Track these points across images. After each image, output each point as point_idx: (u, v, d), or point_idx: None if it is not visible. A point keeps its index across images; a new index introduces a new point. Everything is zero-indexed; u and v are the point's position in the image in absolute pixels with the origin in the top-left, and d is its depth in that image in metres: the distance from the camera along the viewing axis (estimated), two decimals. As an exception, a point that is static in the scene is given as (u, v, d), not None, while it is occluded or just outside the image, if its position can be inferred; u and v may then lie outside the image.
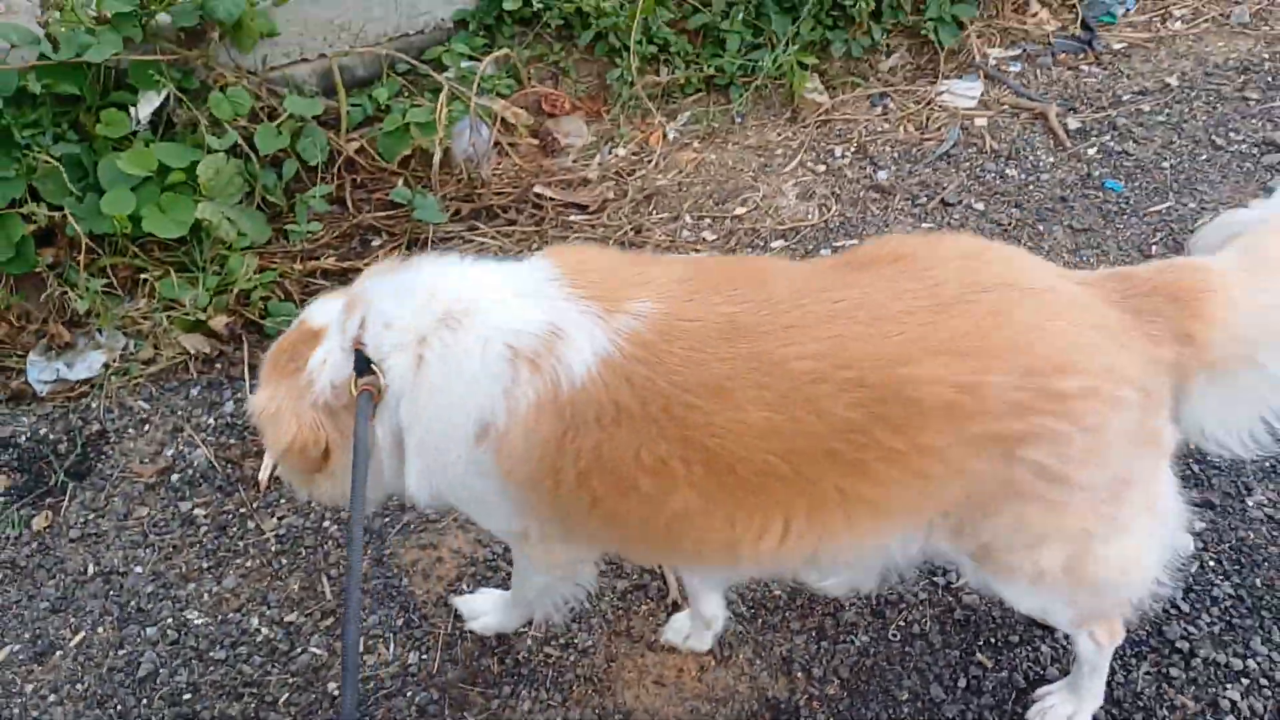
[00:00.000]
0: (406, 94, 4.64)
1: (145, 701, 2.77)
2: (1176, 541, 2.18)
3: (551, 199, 4.44)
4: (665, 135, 4.74)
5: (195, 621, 2.94)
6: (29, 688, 2.83)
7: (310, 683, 2.75)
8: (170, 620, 2.96)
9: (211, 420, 3.54)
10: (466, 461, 2.05)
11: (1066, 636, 2.57)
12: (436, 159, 4.39)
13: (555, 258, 2.11)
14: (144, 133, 3.96)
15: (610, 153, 4.71)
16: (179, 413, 3.58)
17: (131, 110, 3.96)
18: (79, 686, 2.82)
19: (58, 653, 2.90)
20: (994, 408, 1.82)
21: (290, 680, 2.77)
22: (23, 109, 3.81)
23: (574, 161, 4.66)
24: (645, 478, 1.91)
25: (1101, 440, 1.88)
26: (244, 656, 2.84)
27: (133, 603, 3.02)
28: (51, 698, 2.79)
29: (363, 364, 2.07)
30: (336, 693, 2.67)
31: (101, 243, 3.89)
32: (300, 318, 2.27)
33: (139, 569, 3.11)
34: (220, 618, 2.95)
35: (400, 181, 4.45)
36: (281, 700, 2.72)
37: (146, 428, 3.54)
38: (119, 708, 2.76)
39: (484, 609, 2.81)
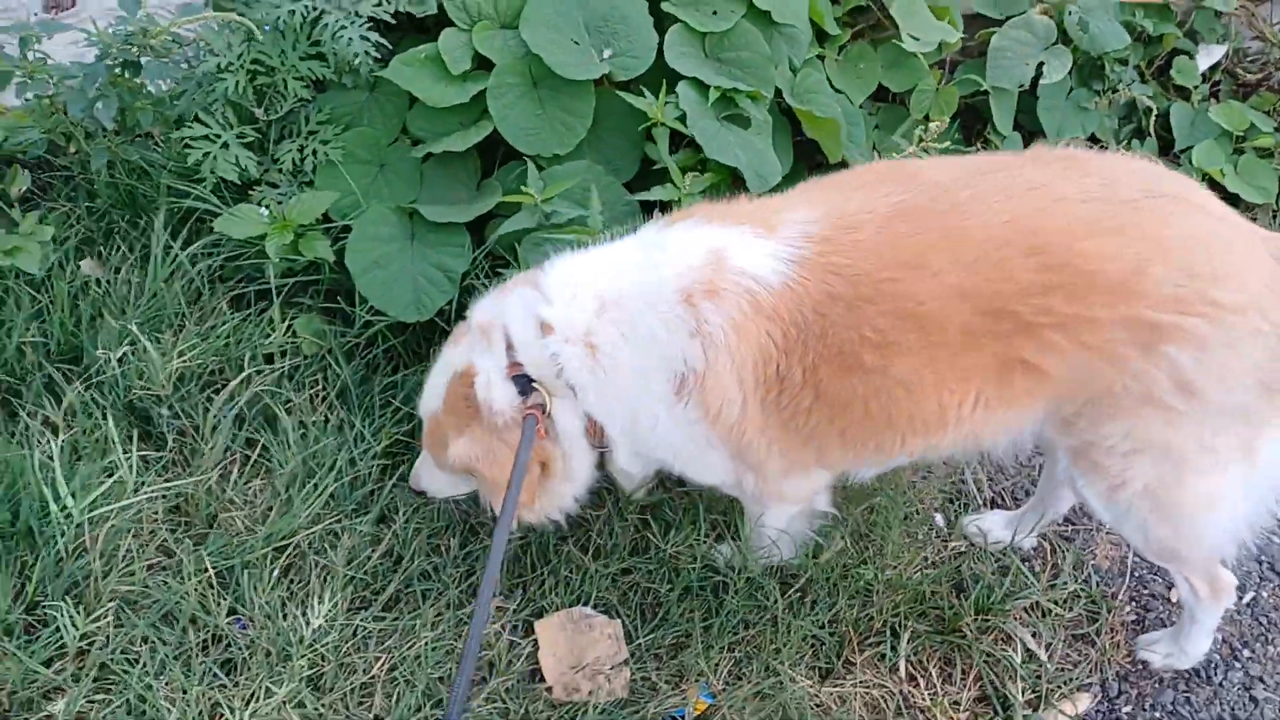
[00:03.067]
0: None
1: None
2: (1271, 504, 2.26)
3: None
4: None
5: None
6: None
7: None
8: None
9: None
10: (670, 424, 2.16)
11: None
12: None
13: (682, 214, 2.24)
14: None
15: None
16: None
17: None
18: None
19: None
20: (1155, 295, 1.96)
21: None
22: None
23: None
24: (869, 353, 2.02)
25: (1236, 361, 2.00)
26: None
27: None
28: None
29: (524, 385, 2.18)
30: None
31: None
32: (443, 365, 2.34)
33: None
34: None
35: None
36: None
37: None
38: None
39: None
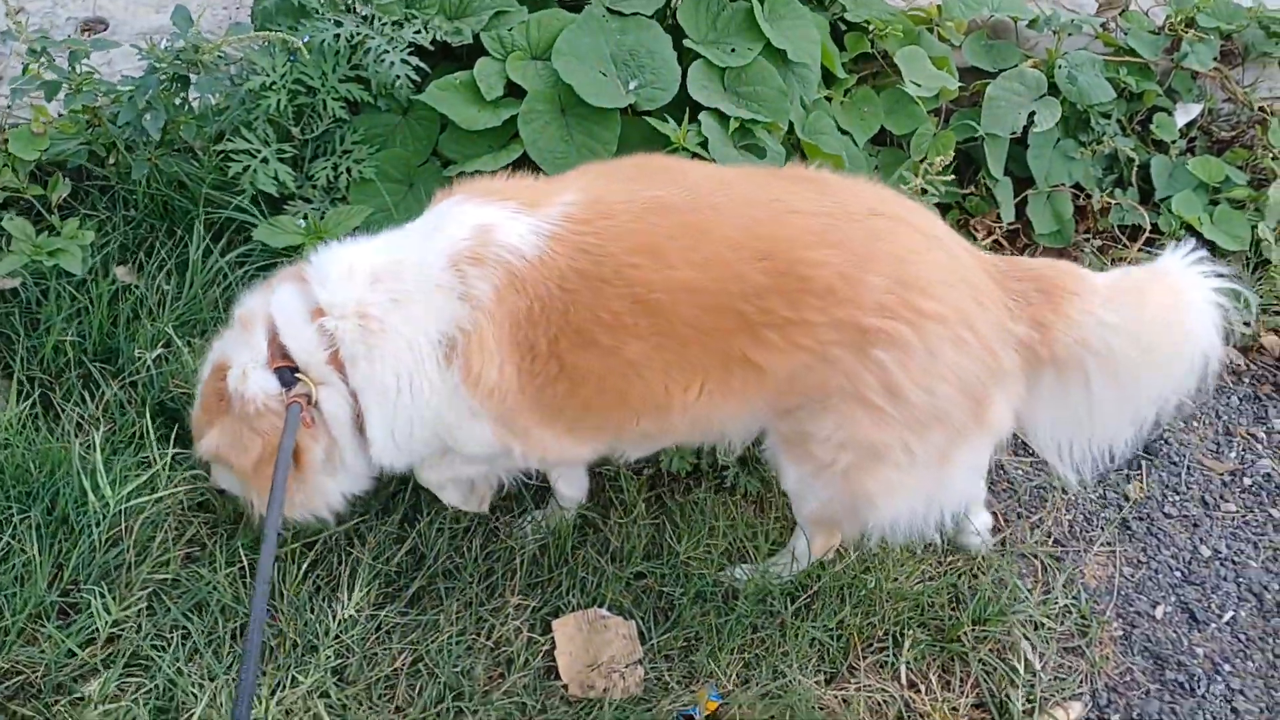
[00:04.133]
0: None
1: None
2: (949, 509, 2.51)
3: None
4: None
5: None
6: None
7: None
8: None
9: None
10: (440, 391, 2.21)
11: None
12: None
13: (445, 194, 2.34)
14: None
15: None
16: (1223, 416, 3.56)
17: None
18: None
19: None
20: (864, 301, 2.14)
21: None
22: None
23: None
24: (603, 333, 2.15)
25: (937, 366, 2.18)
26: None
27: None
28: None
29: (288, 376, 2.22)
30: None
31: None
32: (204, 362, 2.39)
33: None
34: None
35: None
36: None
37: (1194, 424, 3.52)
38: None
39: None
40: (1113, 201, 3.90)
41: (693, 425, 2.38)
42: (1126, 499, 3.27)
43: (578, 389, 2.24)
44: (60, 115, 3.02)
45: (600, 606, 2.72)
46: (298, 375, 2.22)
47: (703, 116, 2.96)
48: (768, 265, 2.13)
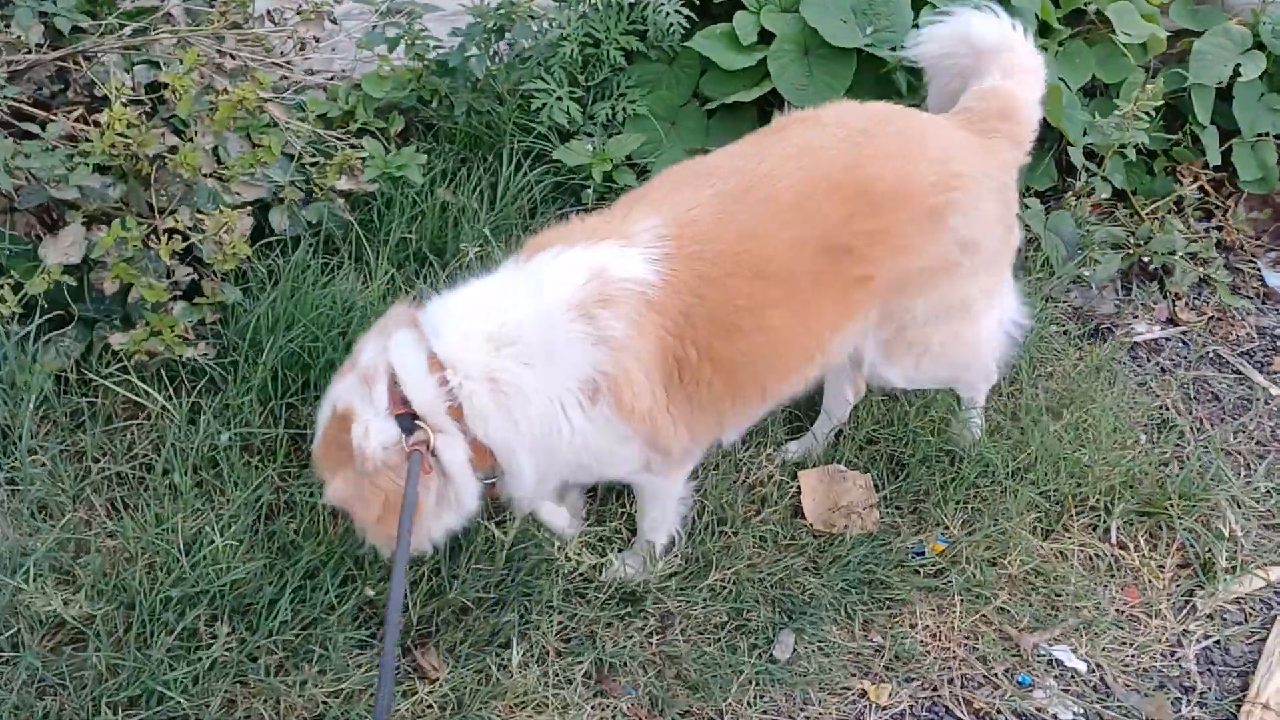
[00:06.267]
0: None
1: None
2: (1012, 321, 2.92)
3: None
4: None
5: None
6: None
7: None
8: None
9: None
10: (589, 428, 2.33)
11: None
12: None
13: (534, 246, 2.42)
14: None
15: None
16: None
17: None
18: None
19: None
20: (921, 188, 2.51)
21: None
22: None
23: None
24: (744, 316, 2.39)
25: (988, 212, 2.62)
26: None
27: None
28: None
29: (408, 424, 2.26)
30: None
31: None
32: (327, 399, 2.41)
33: None
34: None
35: None
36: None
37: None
38: None
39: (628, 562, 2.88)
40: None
41: (827, 362, 2.66)
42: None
43: (733, 377, 2.44)
44: (396, 66, 3.73)
45: (838, 464, 3.17)
46: (417, 423, 2.26)
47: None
48: (840, 195, 2.42)
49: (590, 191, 3.55)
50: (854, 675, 2.77)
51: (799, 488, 3.10)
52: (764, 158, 2.49)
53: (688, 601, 2.83)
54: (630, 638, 2.75)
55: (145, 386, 2.91)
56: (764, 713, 2.69)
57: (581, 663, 2.69)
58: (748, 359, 2.45)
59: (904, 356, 2.77)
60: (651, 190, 2.52)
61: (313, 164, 3.33)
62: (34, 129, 3.03)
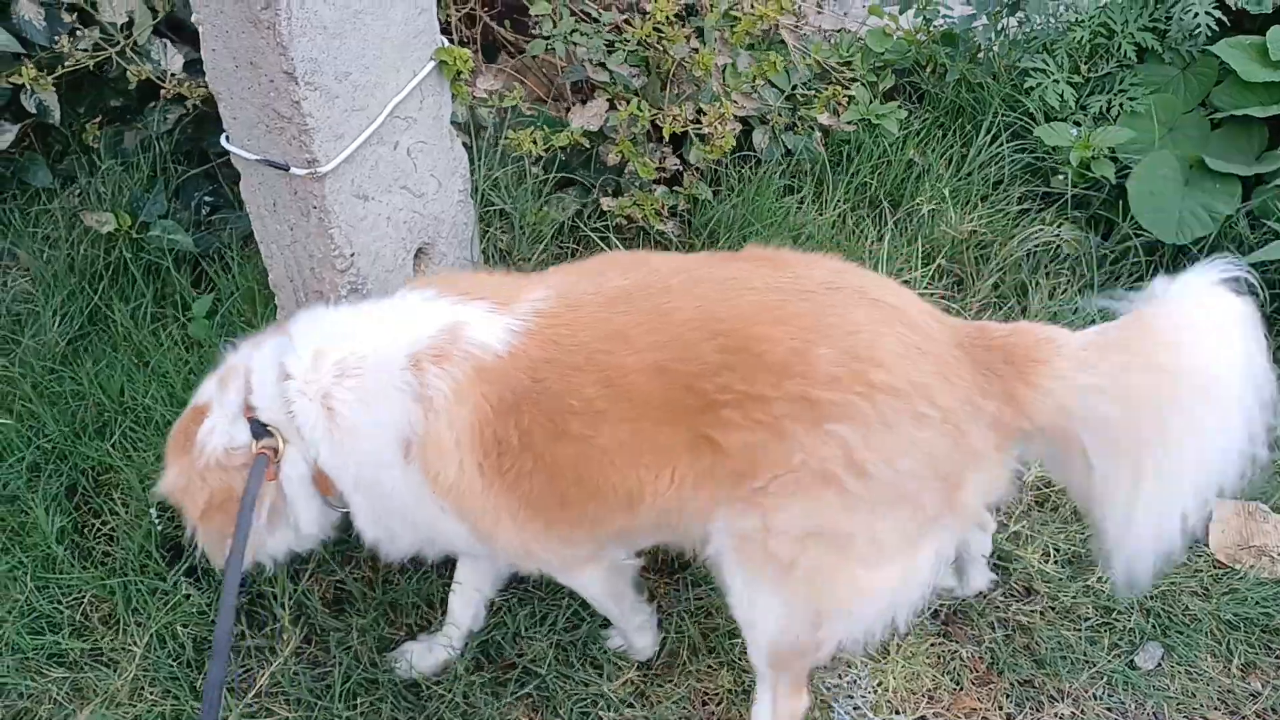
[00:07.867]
0: None
1: None
2: (909, 609, 2.21)
3: None
4: None
5: None
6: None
7: None
8: None
9: None
10: (404, 488, 2.20)
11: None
12: None
13: (422, 282, 2.32)
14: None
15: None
16: None
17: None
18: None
19: None
20: (816, 374, 2.02)
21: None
22: None
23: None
24: (576, 421, 2.11)
25: (897, 440, 2.02)
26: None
27: None
28: None
29: (259, 429, 2.23)
30: None
31: None
32: (194, 393, 2.41)
33: None
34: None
35: None
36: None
37: None
38: None
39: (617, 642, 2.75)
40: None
41: (660, 519, 2.25)
42: None
43: (554, 481, 2.18)
44: (904, 28, 3.92)
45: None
46: (268, 428, 2.24)
47: None
48: (723, 343, 2.07)
49: (1063, 178, 3.53)
50: (1219, 710, 2.59)
51: (1210, 512, 2.92)
52: (687, 273, 2.21)
53: (1057, 587, 2.79)
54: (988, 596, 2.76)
55: (620, 247, 3.35)
56: (1108, 709, 2.59)
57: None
58: (572, 469, 2.17)
59: (763, 566, 2.18)
60: (576, 267, 2.39)
61: (803, 99, 3.61)
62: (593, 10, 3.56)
